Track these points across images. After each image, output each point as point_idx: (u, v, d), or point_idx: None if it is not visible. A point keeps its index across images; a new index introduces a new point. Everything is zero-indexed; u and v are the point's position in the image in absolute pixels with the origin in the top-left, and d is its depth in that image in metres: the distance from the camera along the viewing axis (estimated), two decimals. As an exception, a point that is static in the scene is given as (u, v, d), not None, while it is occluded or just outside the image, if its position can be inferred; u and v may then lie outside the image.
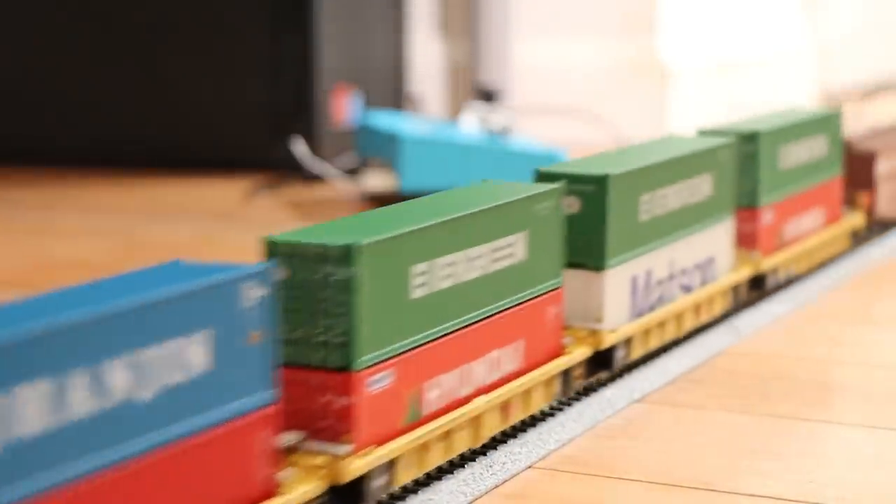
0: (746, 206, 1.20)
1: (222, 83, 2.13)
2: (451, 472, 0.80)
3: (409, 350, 0.76)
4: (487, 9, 2.54)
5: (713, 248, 1.12)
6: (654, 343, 1.04)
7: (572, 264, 0.95)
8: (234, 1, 2.12)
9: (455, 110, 2.52)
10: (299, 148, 2.01)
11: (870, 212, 1.46)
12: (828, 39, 3.13)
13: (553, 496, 0.80)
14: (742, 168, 1.18)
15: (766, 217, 1.22)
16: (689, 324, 1.09)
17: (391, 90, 2.29)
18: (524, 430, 0.88)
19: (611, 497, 0.80)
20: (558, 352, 0.91)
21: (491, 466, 0.82)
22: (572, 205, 0.95)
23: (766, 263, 1.21)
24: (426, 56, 2.54)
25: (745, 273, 1.18)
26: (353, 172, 1.91)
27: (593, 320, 0.96)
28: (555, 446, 0.87)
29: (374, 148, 1.83)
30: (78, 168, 2.13)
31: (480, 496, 0.79)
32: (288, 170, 2.00)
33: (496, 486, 0.81)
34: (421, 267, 0.76)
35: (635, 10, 2.52)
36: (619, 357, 0.98)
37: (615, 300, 0.97)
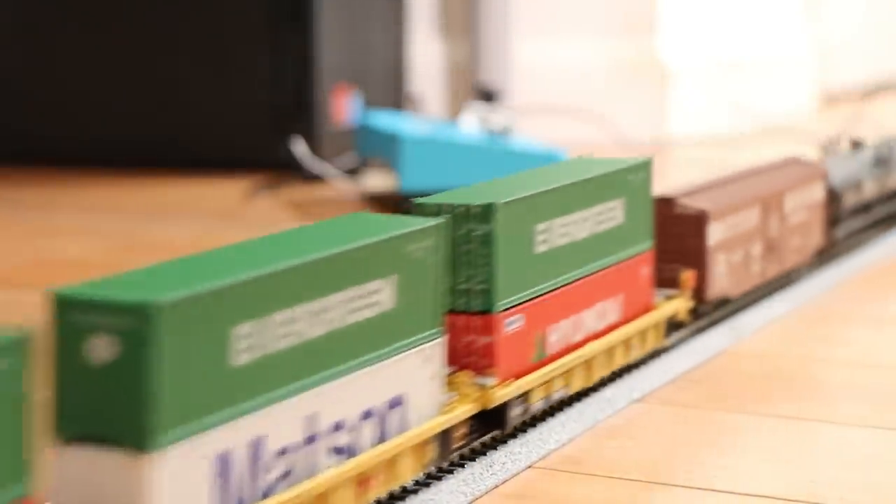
0: (477, 312, 0.83)
1: (222, 83, 2.13)
2: (451, 472, 0.81)
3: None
4: (487, 9, 2.54)
5: (399, 384, 0.76)
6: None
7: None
8: (234, 1, 2.12)
9: (455, 110, 2.52)
10: (299, 148, 2.01)
11: (700, 292, 1.10)
12: (828, 39, 3.13)
13: (553, 496, 0.80)
14: (466, 257, 0.83)
15: (511, 325, 0.85)
16: None
17: (391, 90, 2.29)
18: (524, 431, 0.88)
19: (611, 497, 0.80)
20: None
21: (491, 466, 0.82)
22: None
23: (507, 391, 0.83)
24: (426, 56, 2.54)
25: (463, 411, 0.81)
26: (353, 172, 1.91)
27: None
28: (555, 446, 0.87)
29: (374, 148, 1.83)
30: (78, 168, 2.13)
31: (480, 496, 0.79)
32: (288, 170, 2.00)
33: (496, 486, 0.81)
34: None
35: (635, 10, 2.52)
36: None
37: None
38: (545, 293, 0.89)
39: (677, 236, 1.11)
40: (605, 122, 2.36)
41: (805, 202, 1.31)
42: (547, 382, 0.89)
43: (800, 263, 1.31)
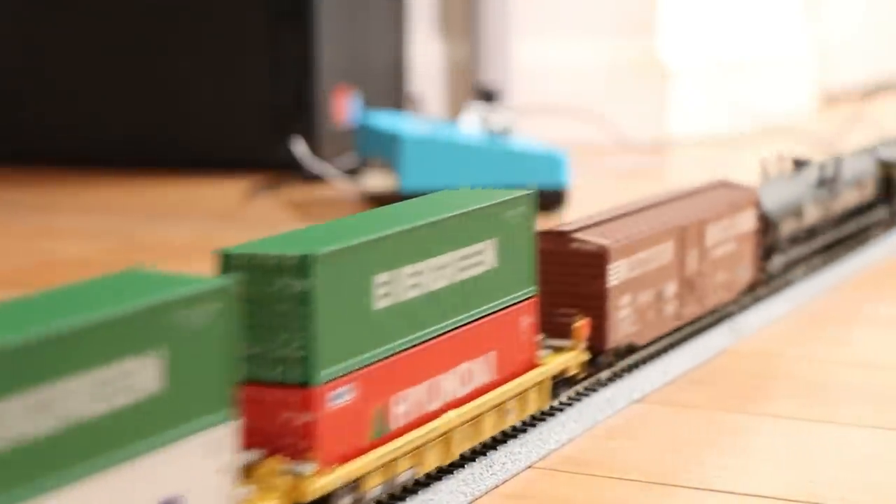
0: (294, 384, 0.69)
1: (222, 83, 2.13)
2: (451, 472, 0.80)
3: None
4: (487, 9, 2.54)
5: (174, 482, 0.61)
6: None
7: None
8: (234, 1, 2.12)
9: (455, 110, 2.52)
10: (299, 148, 2.01)
11: (598, 341, 0.96)
12: (828, 39, 3.13)
13: (553, 496, 0.80)
14: (281, 319, 0.69)
15: (338, 398, 0.71)
16: None
17: (391, 90, 2.29)
18: (524, 431, 0.88)
19: (611, 497, 0.80)
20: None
21: (491, 466, 0.82)
22: None
23: (328, 480, 0.69)
24: (426, 56, 2.54)
25: None
26: (353, 172, 1.91)
27: None
28: (555, 446, 0.87)
29: (374, 148, 1.83)
30: (78, 168, 2.13)
31: (480, 496, 0.79)
32: (288, 170, 2.00)
33: (496, 486, 0.81)
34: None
35: (635, 10, 2.52)
36: None
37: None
38: (388, 357, 0.74)
39: (573, 277, 0.95)
40: (605, 122, 2.36)
41: (732, 232, 1.15)
42: (388, 464, 0.74)
43: (725, 301, 1.15)
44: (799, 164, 1.38)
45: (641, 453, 0.87)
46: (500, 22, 2.55)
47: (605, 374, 0.99)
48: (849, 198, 1.43)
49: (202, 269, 1.44)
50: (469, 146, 1.74)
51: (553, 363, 0.89)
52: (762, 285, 1.24)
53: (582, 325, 0.92)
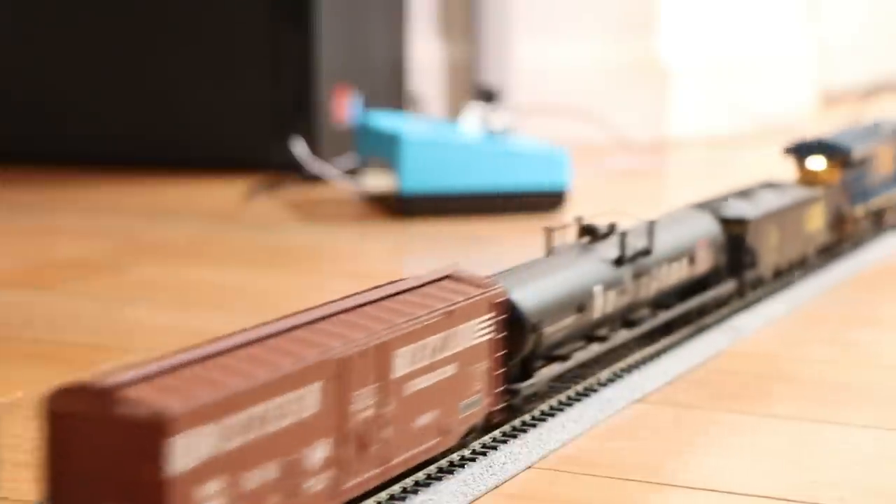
0: None
1: (222, 83, 2.13)
2: (451, 473, 0.80)
3: None
4: (487, 9, 2.54)
5: None
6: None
7: None
8: (234, 1, 2.12)
9: (455, 110, 2.52)
10: (299, 148, 2.01)
11: None
12: (828, 39, 3.13)
13: (553, 496, 0.80)
14: None
15: None
16: None
17: (391, 90, 2.29)
18: (524, 431, 0.88)
19: (611, 497, 0.80)
20: None
21: (491, 466, 0.82)
22: None
23: None
24: (426, 56, 2.54)
25: None
26: (353, 172, 1.91)
27: None
28: (555, 446, 0.87)
29: (374, 148, 1.83)
30: (78, 168, 2.13)
31: (480, 496, 0.79)
32: (288, 170, 2.00)
33: (496, 486, 0.81)
34: None
35: (635, 10, 2.52)
36: None
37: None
38: None
39: (115, 459, 0.60)
40: (605, 122, 2.36)
41: (450, 351, 0.80)
42: None
43: (432, 452, 0.79)
44: (588, 234, 1.00)
45: (641, 453, 0.87)
46: (500, 22, 2.55)
47: (604, 375, 0.98)
48: (672, 274, 1.06)
49: (202, 269, 1.44)
50: (469, 146, 1.74)
51: None
52: (503, 421, 0.87)
53: None
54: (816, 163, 1.38)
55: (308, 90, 2.09)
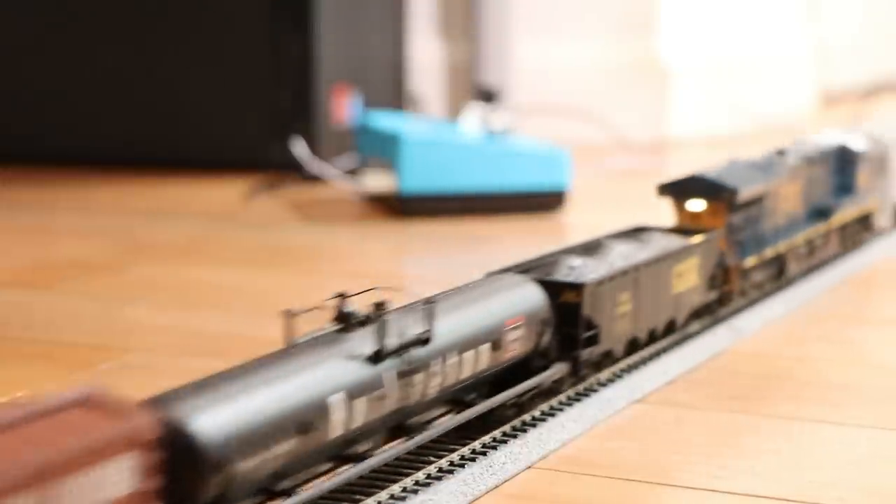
0: None
1: (222, 83, 2.13)
2: (451, 473, 0.80)
3: None
4: (487, 9, 2.54)
5: None
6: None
7: None
8: (234, 1, 2.12)
9: (455, 110, 2.52)
10: (299, 148, 2.01)
11: None
12: (828, 39, 3.13)
13: (553, 496, 0.80)
14: None
15: None
16: None
17: (391, 90, 2.29)
18: (524, 430, 0.88)
19: (611, 497, 0.80)
20: None
21: (491, 466, 0.82)
22: None
23: None
24: (426, 56, 2.54)
25: None
26: (353, 172, 1.91)
27: None
28: (555, 446, 0.87)
29: (374, 148, 1.83)
30: (78, 168, 2.13)
31: (480, 496, 0.79)
32: (288, 170, 2.00)
33: (496, 486, 0.81)
34: None
35: (635, 10, 2.52)
36: None
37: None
38: None
39: None
40: (605, 122, 2.36)
41: None
42: None
43: None
44: (343, 320, 0.75)
45: (641, 453, 0.87)
46: (500, 22, 2.55)
47: (604, 375, 0.98)
48: (465, 366, 0.82)
49: (202, 269, 1.44)
50: (469, 146, 1.74)
51: None
52: None
53: None
54: (696, 205, 1.16)
55: (308, 90, 2.09)
